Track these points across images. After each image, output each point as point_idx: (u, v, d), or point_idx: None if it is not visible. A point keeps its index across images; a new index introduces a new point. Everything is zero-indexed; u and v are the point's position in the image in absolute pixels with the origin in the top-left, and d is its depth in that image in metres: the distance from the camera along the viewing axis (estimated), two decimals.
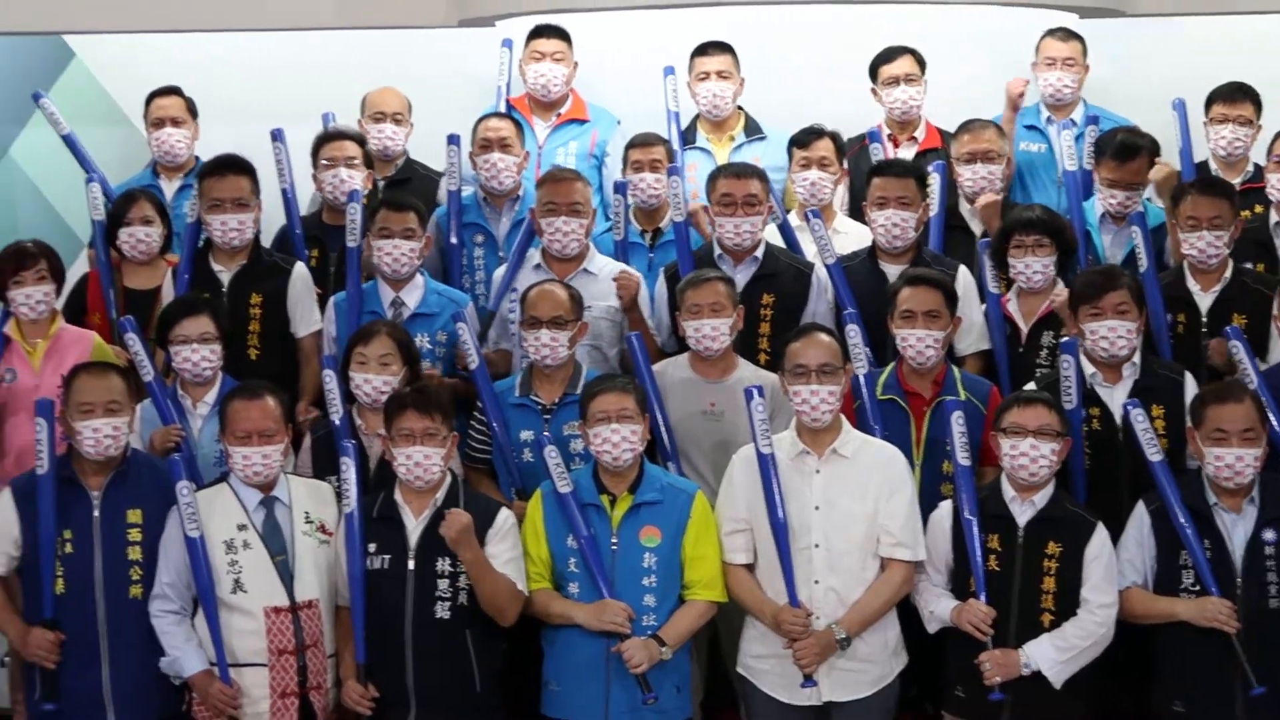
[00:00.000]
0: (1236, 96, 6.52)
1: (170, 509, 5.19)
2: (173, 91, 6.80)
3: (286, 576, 5.16)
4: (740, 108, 6.94)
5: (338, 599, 5.25)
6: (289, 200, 6.44)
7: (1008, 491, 5.19)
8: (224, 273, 6.09)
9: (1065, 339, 5.54)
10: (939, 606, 5.18)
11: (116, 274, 6.25)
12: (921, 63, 6.86)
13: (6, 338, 5.92)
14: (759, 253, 6.00)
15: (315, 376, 5.83)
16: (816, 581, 5.17)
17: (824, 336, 5.32)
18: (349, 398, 5.53)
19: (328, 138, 6.50)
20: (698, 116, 6.96)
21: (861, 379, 5.51)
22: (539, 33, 6.98)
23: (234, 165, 6.14)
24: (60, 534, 5.17)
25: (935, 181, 6.26)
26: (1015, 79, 6.83)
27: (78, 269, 6.48)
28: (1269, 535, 5.10)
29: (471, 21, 7.18)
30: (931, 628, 5.22)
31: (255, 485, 5.23)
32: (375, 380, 5.49)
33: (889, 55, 6.86)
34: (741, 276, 5.92)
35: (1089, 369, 5.51)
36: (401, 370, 5.52)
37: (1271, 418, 5.27)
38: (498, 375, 5.83)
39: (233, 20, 7.17)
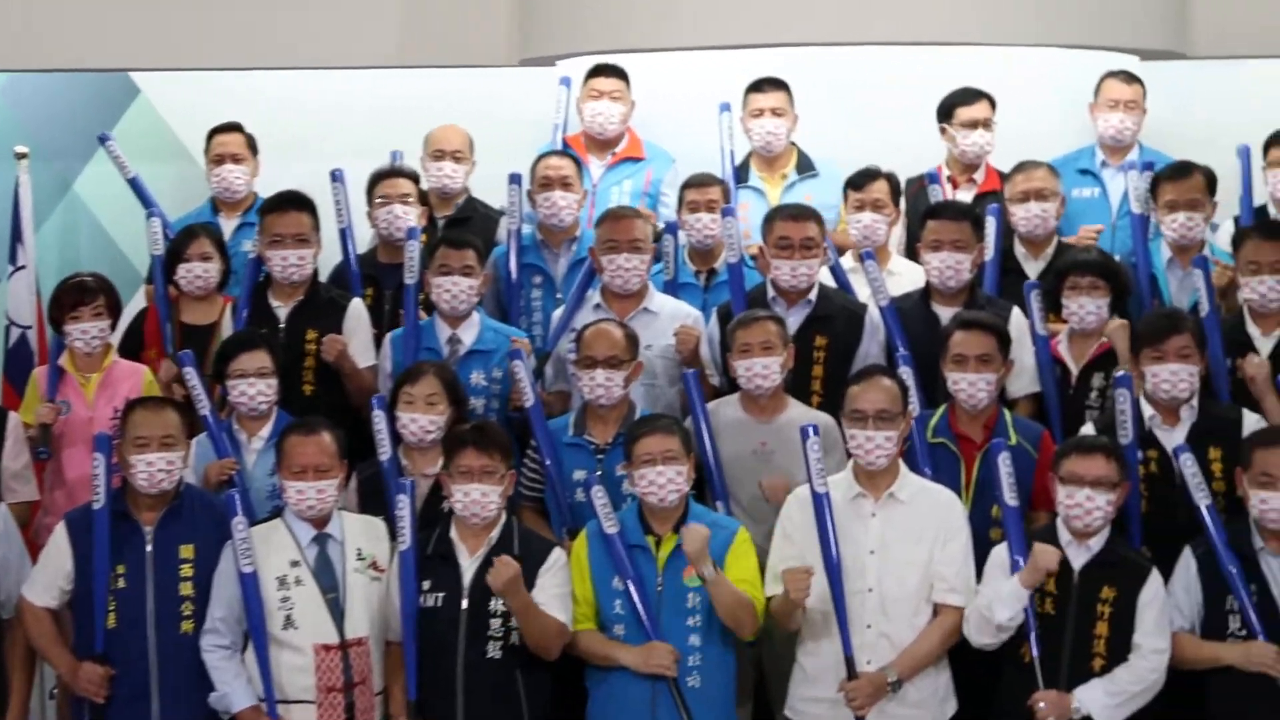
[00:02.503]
0: None
1: (223, 544, 5.21)
2: (234, 128, 6.85)
3: (337, 613, 5.18)
4: (793, 144, 6.93)
5: (388, 635, 5.26)
6: (347, 239, 6.48)
7: (1063, 535, 5.14)
8: (281, 308, 6.13)
9: (1120, 374, 5.50)
10: (1001, 589, 5.07)
11: (174, 309, 6.30)
12: (994, 106, 6.84)
13: (61, 370, 6.00)
14: (813, 295, 5.98)
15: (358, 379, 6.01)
16: (869, 626, 5.14)
17: (885, 381, 5.29)
18: (397, 438, 5.56)
19: (382, 175, 6.55)
20: (751, 154, 6.96)
21: (912, 422, 5.48)
22: (597, 71, 6.99)
23: (295, 201, 6.19)
24: (113, 569, 5.20)
25: (991, 224, 6.21)
26: (1087, 230, 6.65)
27: (136, 304, 6.54)
28: None
29: (533, 61, 7.23)
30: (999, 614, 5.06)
31: (309, 520, 5.25)
32: (421, 420, 5.51)
33: (968, 98, 6.82)
34: (795, 318, 5.90)
35: (1148, 411, 5.47)
36: (448, 410, 5.54)
37: None
38: (554, 417, 5.83)
39: (297, 59, 7.26)
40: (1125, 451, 5.33)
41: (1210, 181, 6.28)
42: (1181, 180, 6.18)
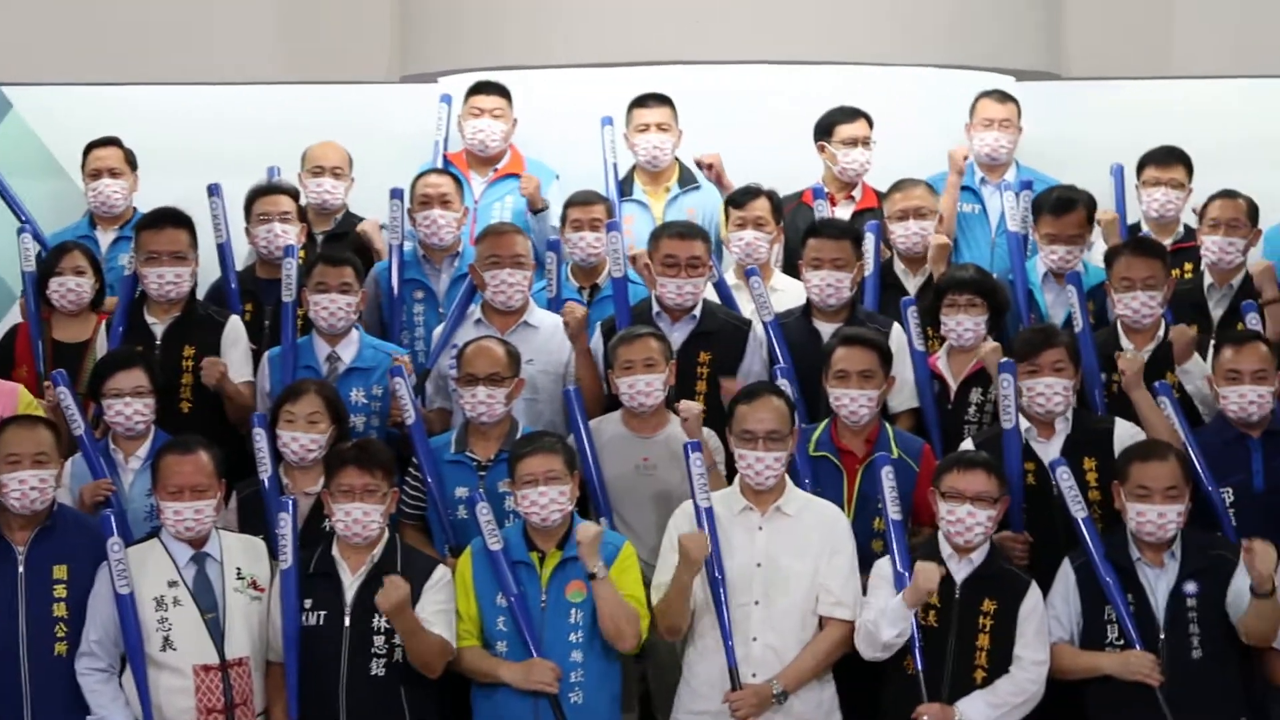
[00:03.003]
0: (1169, 160, 6.62)
1: (98, 565, 5.13)
2: (111, 142, 6.78)
3: (217, 634, 5.11)
4: (676, 158, 6.97)
5: (269, 654, 5.20)
6: (225, 254, 6.41)
7: (945, 549, 5.21)
8: (157, 325, 6.05)
9: (1004, 360, 5.56)
10: (887, 608, 5.09)
11: (46, 327, 6.19)
12: (873, 125, 6.90)
13: None
14: (697, 310, 6.00)
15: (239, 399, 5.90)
16: (755, 639, 5.17)
17: (775, 401, 5.31)
18: (278, 456, 5.50)
19: (261, 192, 6.50)
20: (634, 168, 6.98)
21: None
22: (479, 89, 6.99)
23: (171, 218, 6.11)
24: None
25: (870, 241, 6.28)
26: (958, 147, 6.87)
27: (10, 320, 6.43)
28: (1190, 588, 5.17)
29: (414, 77, 7.22)
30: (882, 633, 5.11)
31: (186, 540, 5.18)
32: (303, 438, 5.47)
33: (847, 116, 6.87)
34: (679, 334, 5.92)
35: (1024, 424, 5.54)
36: (330, 429, 5.51)
37: (1201, 474, 5.37)
38: (435, 434, 5.80)
39: (176, 74, 7.20)
40: (1008, 437, 5.43)
41: (1090, 212, 6.41)
42: (1063, 216, 6.29)
